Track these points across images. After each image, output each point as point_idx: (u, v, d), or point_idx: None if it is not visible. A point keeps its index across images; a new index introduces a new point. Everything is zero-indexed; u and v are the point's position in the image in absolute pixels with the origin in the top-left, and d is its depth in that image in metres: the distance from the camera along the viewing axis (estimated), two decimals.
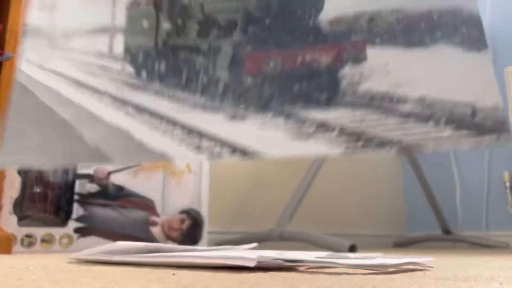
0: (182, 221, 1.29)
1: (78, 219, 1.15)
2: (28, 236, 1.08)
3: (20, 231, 1.07)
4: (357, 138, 0.32)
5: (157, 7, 0.40)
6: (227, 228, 1.54)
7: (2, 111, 0.74)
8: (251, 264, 0.54)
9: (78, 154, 0.36)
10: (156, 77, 0.40)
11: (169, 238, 1.27)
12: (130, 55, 0.40)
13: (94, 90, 0.39)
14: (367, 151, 0.31)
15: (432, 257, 0.68)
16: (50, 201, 1.13)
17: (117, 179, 1.21)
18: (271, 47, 0.35)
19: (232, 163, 1.66)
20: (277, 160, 1.84)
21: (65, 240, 1.12)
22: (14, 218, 1.06)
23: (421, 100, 0.33)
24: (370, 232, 2.01)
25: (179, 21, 0.39)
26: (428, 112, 0.32)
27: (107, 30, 0.40)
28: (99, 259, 0.66)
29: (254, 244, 0.90)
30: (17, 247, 1.06)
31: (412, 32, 0.34)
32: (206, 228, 1.33)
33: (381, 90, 0.34)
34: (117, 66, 0.40)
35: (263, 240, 1.41)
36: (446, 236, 1.92)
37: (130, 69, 0.40)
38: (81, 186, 1.16)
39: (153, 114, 0.38)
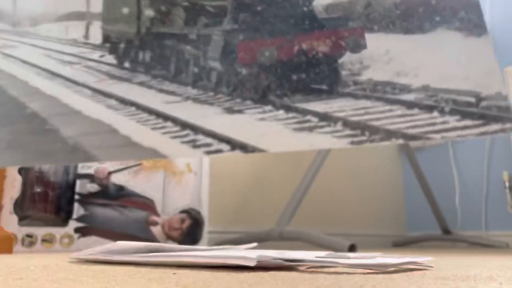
0: (182, 220, 1.29)
1: (79, 219, 1.15)
2: (28, 235, 1.08)
3: (21, 231, 1.07)
4: (362, 131, 0.31)
5: None
6: (227, 228, 1.55)
7: None
8: (251, 263, 0.54)
9: (55, 152, 0.33)
10: (141, 67, 0.37)
11: (169, 237, 1.27)
12: (110, 43, 0.37)
13: (70, 81, 0.36)
14: (372, 143, 0.30)
15: (432, 257, 0.68)
16: (51, 201, 1.13)
17: (117, 179, 1.21)
18: (265, 36, 0.33)
19: (232, 163, 1.66)
20: (277, 160, 1.83)
21: (65, 240, 1.12)
22: (14, 218, 1.06)
23: (424, 89, 0.32)
24: (369, 232, 2.02)
25: (163, 8, 0.37)
26: (432, 101, 0.32)
27: (81, 16, 0.37)
28: (100, 258, 0.66)
29: (254, 244, 0.90)
30: (17, 246, 1.06)
31: (410, 17, 0.34)
32: (206, 228, 1.33)
33: (383, 80, 0.33)
34: (95, 55, 0.38)
35: (263, 239, 1.41)
36: (446, 236, 1.92)
37: (111, 58, 0.38)
38: (81, 186, 1.16)
39: (140, 107, 0.35)
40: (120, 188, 1.21)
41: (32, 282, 0.43)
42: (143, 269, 0.56)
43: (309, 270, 0.57)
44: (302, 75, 0.32)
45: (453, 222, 1.99)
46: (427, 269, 0.60)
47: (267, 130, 0.31)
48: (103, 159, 0.32)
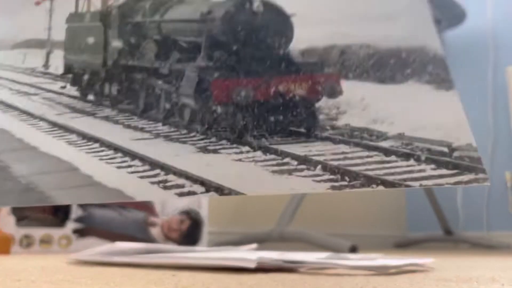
0: (182, 221, 1.29)
1: (77, 220, 1.14)
2: (26, 236, 1.07)
3: (19, 232, 1.06)
4: (342, 176, 0.31)
5: (105, 22, 0.36)
6: (227, 229, 1.54)
7: None
8: (251, 265, 0.53)
9: (4, 192, 0.30)
10: (106, 101, 0.35)
11: (168, 238, 1.26)
12: (73, 74, 0.35)
13: (26, 113, 0.33)
14: (353, 189, 0.30)
15: (433, 258, 0.68)
16: None
17: None
18: (241, 75, 0.32)
19: None
20: None
21: (63, 241, 1.12)
22: (12, 219, 1.06)
23: (400, 137, 0.32)
24: (370, 233, 2.01)
25: (133, 40, 0.36)
26: (408, 150, 0.32)
27: (41, 44, 0.35)
28: (98, 260, 0.65)
29: (254, 245, 0.89)
30: (15, 247, 1.05)
31: (383, 68, 0.34)
32: (206, 229, 1.33)
33: (360, 126, 0.33)
34: (55, 86, 0.35)
35: (263, 240, 1.41)
36: (447, 237, 1.92)
37: (73, 90, 0.35)
38: None
39: (104, 143, 0.33)
40: None
41: (30, 284, 0.43)
42: (142, 271, 0.55)
43: (309, 271, 0.56)
44: (279, 117, 0.31)
45: (455, 223, 1.98)
46: (428, 271, 0.60)
47: (245, 171, 0.30)
48: (60, 201, 0.29)
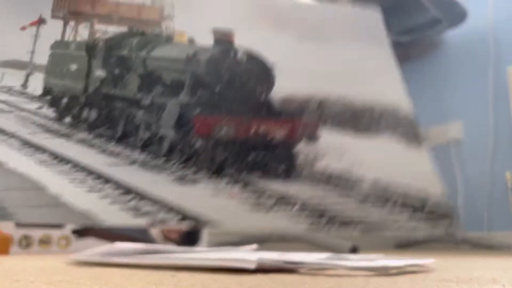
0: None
1: None
2: (25, 237, 1.07)
3: (18, 232, 1.06)
4: (320, 215, 0.31)
5: (90, 53, 0.37)
6: (227, 229, 1.54)
7: None
8: (251, 266, 0.53)
9: None
10: (83, 125, 0.35)
11: (168, 239, 1.26)
12: (52, 96, 0.35)
13: None
14: (331, 229, 0.31)
15: (434, 259, 0.68)
16: None
17: None
18: (222, 113, 0.33)
19: None
20: None
21: (63, 241, 1.12)
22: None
23: (376, 182, 0.34)
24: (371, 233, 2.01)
25: (117, 71, 0.36)
26: (384, 196, 0.33)
27: (22, 66, 0.34)
28: (97, 260, 0.65)
29: (254, 245, 0.89)
30: (14, 248, 1.05)
31: (359, 120, 0.37)
32: (206, 229, 1.33)
33: (338, 169, 0.34)
34: (32, 106, 0.35)
35: (263, 241, 1.40)
36: (448, 237, 1.92)
37: (50, 112, 0.35)
38: None
39: (76, 165, 0.32)
40: None
41: (29, 284, 0.42)
42: (141, 271, 0.55)
43: (310, 272, 0.56)
44: (259, 155, 0.32)
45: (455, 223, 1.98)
46: (429, 271, 0.60)
47: (222, 205, 0.30)
48: (22, 219, 0.28)
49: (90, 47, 0.33)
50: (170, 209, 0.28)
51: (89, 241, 1.13)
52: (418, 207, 0.30)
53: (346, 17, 0.36)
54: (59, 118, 0.31)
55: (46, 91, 0.32)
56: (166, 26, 0.33)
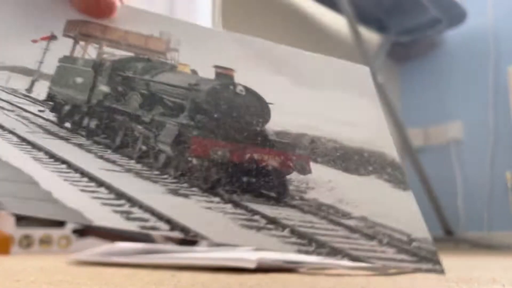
0: None
1: None
2: (26, 237, 1.07)
3: (18, 232, 1.06)
4: (309, 242, 0.32)
5: (96, 70, 0.37)
6: None
7: None
8: (252, 265, 0.53)
9: None
10: (83, 131, 0.35)
11: (168, 239, 1.26)
12: (54, 102, 0.35)
13: None
14: (319, 255, 0.32)
15: None
16: None
17: None
18: (219, 138, 0.35)
19: None
20: None
21: (63, 241, 1.12)
22: (12, 219, 1.06)
23: (363, 219, 0.36)
24: None
25: (120, 89, 0.37)
26: (371, 232, 0.35)
27: (28, 72, 0.35)
28: (98, 260, 0.65)
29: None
30: (15, 248, 1.05)
31: (348, 160, 0.39)
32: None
33: (327, 202, 0.36)
34: (34, 109, 0.35)
35: None
36: (448, 237, 1.92)
37: (51, 116, 0.35)
38: None
39: (72, 166, 0.32)
40: None
41: (29, 284, 0.42)
42: (141, 271, 0.55)
43: (309, 272, 0.56)
44: (252, 179, 0.33)
45: (455, 223, 1.98)
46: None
47: (213, 219, 0.31)
48: (10, 208, 0.28)
49: (97, 65, 0.33)
50: (160, 217, 0.28)
51: (89, 241, 1.14)
52: (404, 246, 0.31)
53: (337, 69, 0.39)
54: (60, 122, 0.31)
55: (50, 97, 0.32)
56: (171, 56, 0.35)
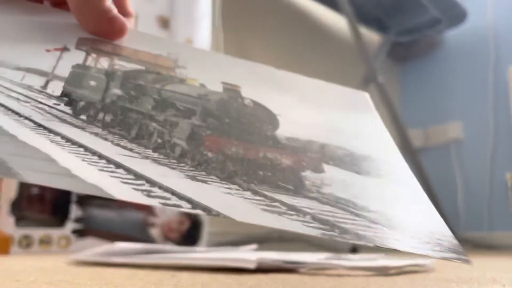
0: (181, 222, 1.29)
1: (76, 220, 1.14)
2: (26, 237, 1.07)
3: (18, 232, 1.06)
4: (332, 227, 0.32)
5: (109, 76, 0.38)
6: (227, 229, 1.54)
7: None
8: (251, 265, 0.53)
9: None
10: (98, 123, 0.35)
11: (168, 239, 1.26)
12: (69, 98, 0.35)
13: (12, 111, 0.32)
14: (343, 240, 0.32)
15: (434, 258, 0.68)
16: (48, 202, 1.12)
17: None
18: (232, 138, 0.35)
19: None
20: None
21: (63, 241, 1.12)
22: (11, 219, 1.06)
23: (382, 213, 0.35)
24: None
25: (133, 93, 0.37)
26: (391, 224, 0.35)
27: (43, 74, 0.35)
28: (98, 260, 0.65)
29: (254, 245, 0.89)
30: (14, 248, 1.05)
31: (358, 165, 0.40)
32: (206, 229, 1.33)
33: (343, 197, 0.36)
34: (49, 102, 0.35)
35: (263, 241, 1.40)
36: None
37: (66, 109, 0.35)
38: None
39: (89, 150, 0.32)
40: None
41: (29, 284, 0.42)
42: (141, 271, 0.55)
43: (309, 272, 0.56)
44: (268, 173, 0.33)
45: (455, 223, 1.98)
46: (429, 271, 0.60)
47: (234, 202, 0.31)
48: (29, 179, 0.27)
49: (109, 72, 0.34)
50: (181, 197, 0.28)
51: (89, 241, 1.13)
52: (424, 240, 0.32)
53: (338, 93, 0.42)
54: (75, 115, 0.32)
55: (64, 94, 0.32)
56: (179, 72, 0.36)
